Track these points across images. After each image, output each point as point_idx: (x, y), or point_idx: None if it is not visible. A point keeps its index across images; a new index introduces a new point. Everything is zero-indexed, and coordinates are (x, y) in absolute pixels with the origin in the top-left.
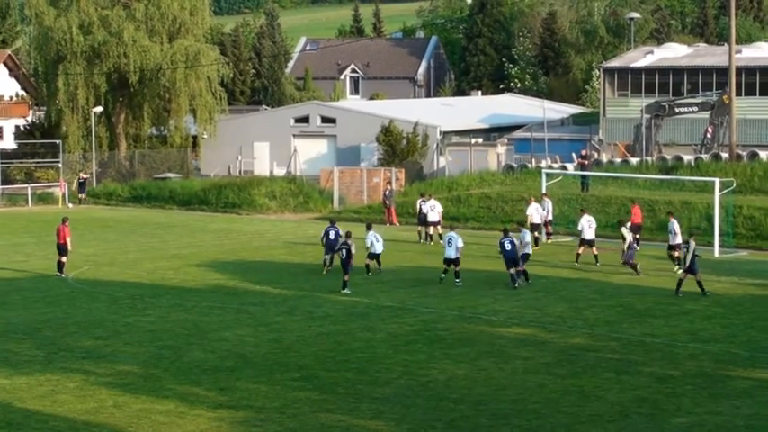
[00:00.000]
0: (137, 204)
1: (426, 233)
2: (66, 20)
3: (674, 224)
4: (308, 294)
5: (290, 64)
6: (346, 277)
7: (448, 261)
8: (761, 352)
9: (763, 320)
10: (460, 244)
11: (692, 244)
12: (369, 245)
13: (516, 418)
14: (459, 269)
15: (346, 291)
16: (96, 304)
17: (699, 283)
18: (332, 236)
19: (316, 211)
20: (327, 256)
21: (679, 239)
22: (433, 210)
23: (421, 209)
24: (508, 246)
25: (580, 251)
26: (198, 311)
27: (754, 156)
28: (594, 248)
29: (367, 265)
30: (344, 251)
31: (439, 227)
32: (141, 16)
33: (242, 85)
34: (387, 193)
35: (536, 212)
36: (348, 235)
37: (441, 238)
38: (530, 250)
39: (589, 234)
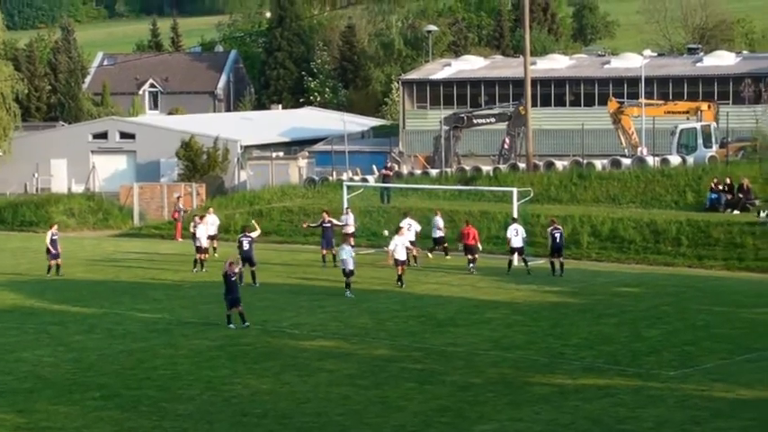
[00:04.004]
0: None
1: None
2: None
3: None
4: (108, 312)
5: (87, 79)
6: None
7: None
8: (559, 358)
9: (561, 327)
10: (344, 256)
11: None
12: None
13: (320, 430)
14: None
15: (232, 326)
16: None
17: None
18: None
19: (116, 228)
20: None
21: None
22: (213, 225)
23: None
24: None
25: (512, 258)
26: None
27: (550, 165)
28: (520, 256)
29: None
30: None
31: (215, 241)
32: None
33: (37, 101)
34: (176, 208)
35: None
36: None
37: (215, 252)
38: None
39: (516, 242)
